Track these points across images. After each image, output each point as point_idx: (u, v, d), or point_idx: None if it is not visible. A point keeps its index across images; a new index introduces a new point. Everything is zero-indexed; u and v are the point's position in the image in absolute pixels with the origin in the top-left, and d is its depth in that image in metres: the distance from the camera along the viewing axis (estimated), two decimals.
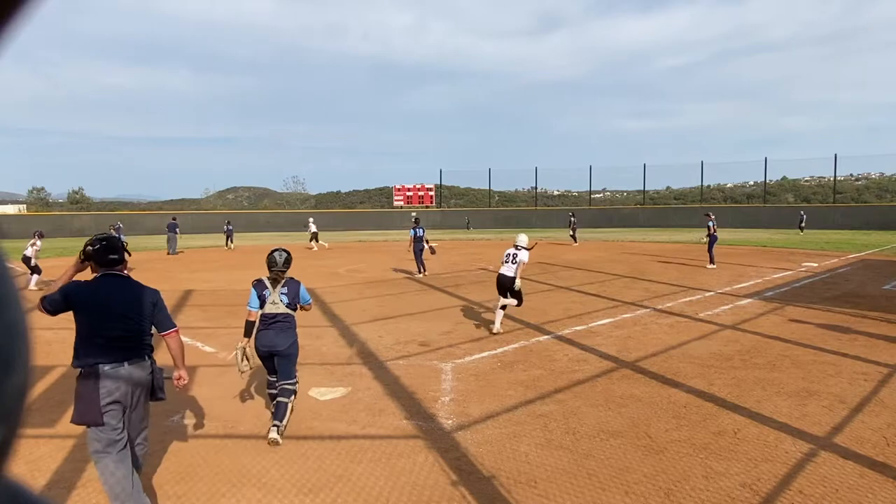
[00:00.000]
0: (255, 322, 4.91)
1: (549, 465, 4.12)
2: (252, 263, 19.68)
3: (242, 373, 4.90)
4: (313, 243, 25.68)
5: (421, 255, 15.32)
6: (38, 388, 6.01)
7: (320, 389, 5.86)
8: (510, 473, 4.00)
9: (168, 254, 23.57)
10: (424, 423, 4.94)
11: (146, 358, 3.57)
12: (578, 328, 8.60)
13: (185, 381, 3.75)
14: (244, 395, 5.76)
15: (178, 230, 24.48)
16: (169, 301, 12.56)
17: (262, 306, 4.86)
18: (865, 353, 6.91)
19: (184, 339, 8.17)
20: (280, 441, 4.51)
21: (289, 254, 4.99)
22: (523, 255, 8.31)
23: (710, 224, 16.59)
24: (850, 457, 4.15)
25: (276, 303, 4.86)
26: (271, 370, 4.93)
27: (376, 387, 5.96)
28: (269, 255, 5.00)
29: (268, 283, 4.93)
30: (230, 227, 27.86)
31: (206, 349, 7.63)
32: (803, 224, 33.20)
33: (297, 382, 4.92)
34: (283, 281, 4.94)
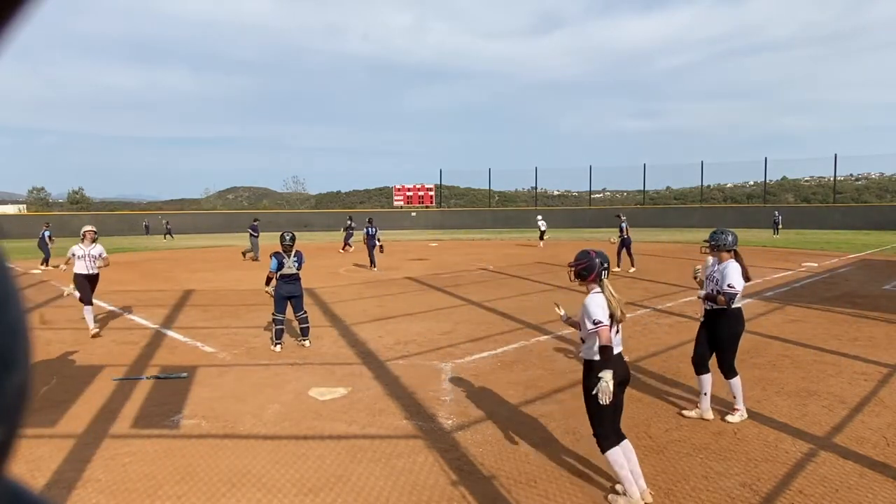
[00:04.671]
0: (273, 278, 7.56)
1: (549, 465, 4.12)
2: (250, 264, 19.68)
3: (271, 296, 7.60)
4: None
5: (373, 251, 17.22)
6: (38, 388, 6.01)
7: (320, 389, 5.86)
8: (510, 473, 4.00)
9: (251, 258, 20.73)
10: (424, 423, 4.94)
11: None
12: None
13: None
14: (244, 396, 5.76)
15: (256, 233, 21.14)
16: (169, 301, 12.60)
17: (279, 269, 7.47)
18: (865, 353, 6.91)
19: (184, 339, 8.27)
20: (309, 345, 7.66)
21: (294, 234, 7.83)
22: None
23: (623, 226, 16.19)
24: (850, 457, 4.15)
25: (291, 267, 7.53)
26: (282, 309, 7.47)
27: (376, 387, 5.96)
28: (282, 235, 7.71)
29: (283, 254, 7.53)
30: (161, 227, 35.21)
31: (206, 349, 7.63)
32: (780, 226, 31.64)
33: (306, 312, 7.82)
34: (294, 252, 7.61)
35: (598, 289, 3.72)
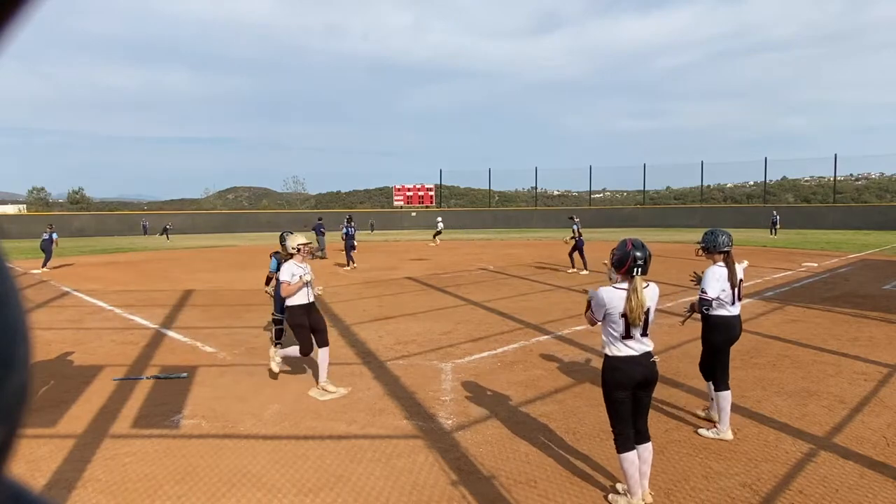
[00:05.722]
0: (273, 278, 7.47)
1: (549, 465, 4.12)
2: (251, 264, 19.68)
3: (271, 296, 7.59)
4: None
5: (352, 251, 17.79)
6: (38, 388, 6.01)
7: (320, 389, 5.85)
8: (510, 473, 4.00)
9: (319, 256, 20.35)
10: (424, 423, 4.94)
11: None
12: (578, 328, 8.59)
13: None
14: (244, 396, 5.76)
15: (324, 230, 21.63)
16: (169, 301, 12.60)
17: (279, 269, 6.78)
18: (865, 353, 6.91)
19: (183, 339, 8.27)
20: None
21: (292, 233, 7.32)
22: None
23: (575, 227, 16.14)
24: (850, 457, 4.15)
25: None
26: (282, 309, 6.68)
27: (376, 387, 5.96)
28: (281, 235, 7.11)
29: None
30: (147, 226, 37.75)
31: (207, 349, 7.63)
32: (778, 226, 31.45)
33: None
34: None
35: (626, 285, 3.48)
